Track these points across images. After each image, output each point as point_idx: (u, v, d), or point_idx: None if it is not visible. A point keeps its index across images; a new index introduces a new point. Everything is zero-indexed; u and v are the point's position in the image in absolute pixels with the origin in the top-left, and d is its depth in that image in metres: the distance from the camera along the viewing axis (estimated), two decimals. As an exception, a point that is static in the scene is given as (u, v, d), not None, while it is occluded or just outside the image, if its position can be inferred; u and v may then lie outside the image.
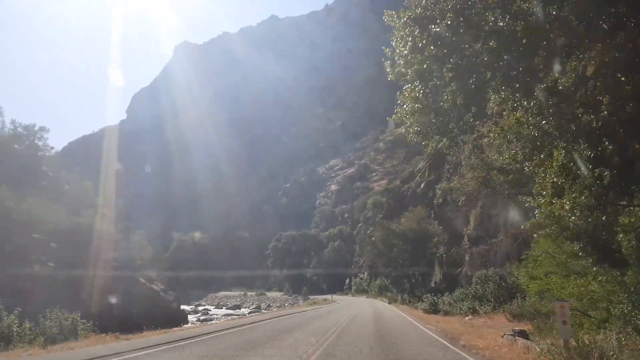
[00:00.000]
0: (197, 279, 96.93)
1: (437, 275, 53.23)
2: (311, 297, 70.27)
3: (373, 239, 54.02)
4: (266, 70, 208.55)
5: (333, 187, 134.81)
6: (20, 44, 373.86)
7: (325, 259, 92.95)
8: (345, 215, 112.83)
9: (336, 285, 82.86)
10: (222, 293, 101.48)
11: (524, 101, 11.05)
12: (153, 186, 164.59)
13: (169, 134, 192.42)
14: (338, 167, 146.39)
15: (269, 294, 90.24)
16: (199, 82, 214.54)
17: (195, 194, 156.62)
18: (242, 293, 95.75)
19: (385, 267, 57.08)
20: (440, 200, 55.18)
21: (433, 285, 50.71)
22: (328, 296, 66.03)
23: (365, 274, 72.81)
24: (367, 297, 60.59)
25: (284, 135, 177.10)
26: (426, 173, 72.86)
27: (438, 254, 52.59)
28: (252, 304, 78.14)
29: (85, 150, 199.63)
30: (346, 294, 73.55)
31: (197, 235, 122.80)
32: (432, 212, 57.13)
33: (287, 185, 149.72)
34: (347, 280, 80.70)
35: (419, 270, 53.20)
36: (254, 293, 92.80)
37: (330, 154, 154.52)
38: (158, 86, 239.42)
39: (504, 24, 9.99)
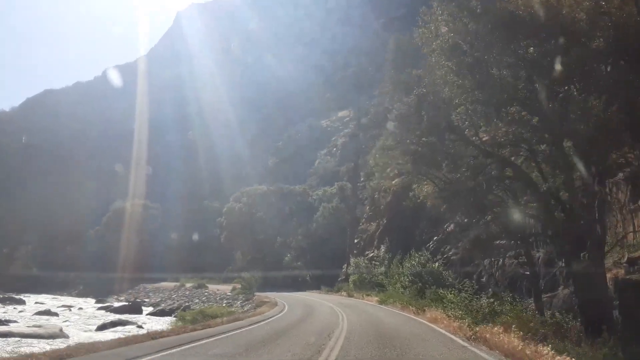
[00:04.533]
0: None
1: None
2: (267, 294, 32.32)
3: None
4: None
5: (340, 140, 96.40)
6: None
7: (313, 230, 54.93)
8: (352, 175, 74.02)
9: (327, 273, 44.40)
10: (162, 284, 67.84)
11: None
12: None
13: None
14: (347, 118, 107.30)
15: (212, 286, 52.79)
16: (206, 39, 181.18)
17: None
18: (179, 284, 59.56)
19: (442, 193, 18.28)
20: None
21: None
22: (287, 294, 28.17)
23: (382, 248, 34.21)
24: (379, 303, 21.98)
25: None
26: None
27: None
28: (174, 303, 45.58)
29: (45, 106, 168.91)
30: (338, 290, 34.91)
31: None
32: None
33: (279, 143, 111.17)
34: (345, 266, 42.00)
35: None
36: (190, 285, 55.68)
37: (338, 107, 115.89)
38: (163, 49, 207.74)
39: None
